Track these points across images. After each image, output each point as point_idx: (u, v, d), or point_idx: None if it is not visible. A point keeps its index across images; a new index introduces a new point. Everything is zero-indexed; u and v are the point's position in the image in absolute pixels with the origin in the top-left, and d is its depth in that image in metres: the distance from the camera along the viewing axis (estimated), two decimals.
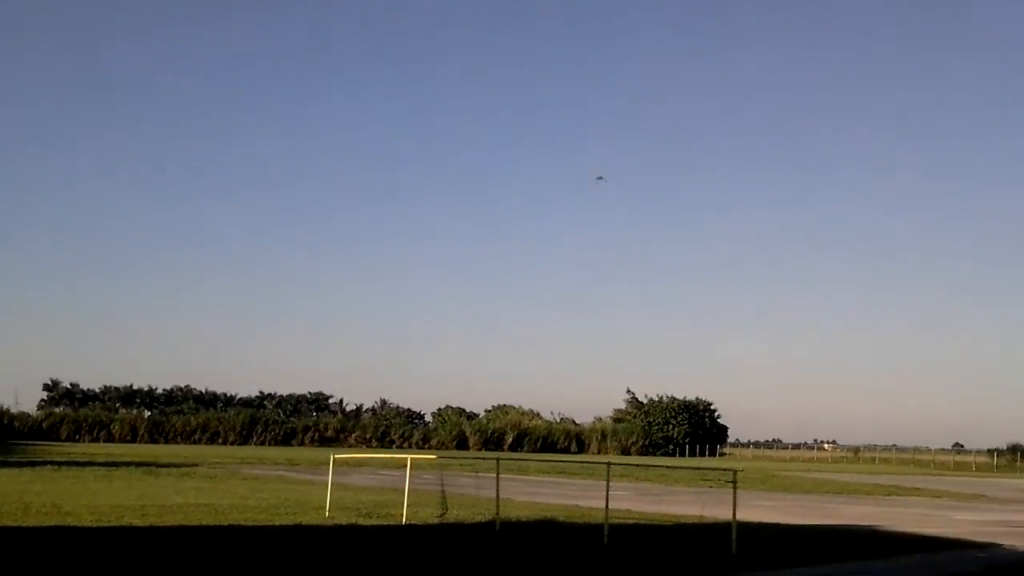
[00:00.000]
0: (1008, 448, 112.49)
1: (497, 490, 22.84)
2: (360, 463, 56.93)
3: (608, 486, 21.38)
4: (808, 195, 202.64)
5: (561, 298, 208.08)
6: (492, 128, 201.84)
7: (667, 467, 54.05)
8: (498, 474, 22.97)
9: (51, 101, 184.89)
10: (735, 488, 19.16)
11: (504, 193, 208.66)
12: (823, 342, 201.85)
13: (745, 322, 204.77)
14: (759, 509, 33.31)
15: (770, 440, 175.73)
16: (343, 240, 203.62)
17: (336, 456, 28.35)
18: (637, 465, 56.73)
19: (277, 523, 22.58)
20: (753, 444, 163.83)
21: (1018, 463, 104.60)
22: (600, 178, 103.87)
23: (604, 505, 30.81)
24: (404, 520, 23.55)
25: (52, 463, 50.04)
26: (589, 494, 36.92)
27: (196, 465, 53.93)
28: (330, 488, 25.88)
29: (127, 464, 52.12)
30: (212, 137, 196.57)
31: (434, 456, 37.74)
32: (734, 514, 19.20)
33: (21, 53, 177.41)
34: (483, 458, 56.69)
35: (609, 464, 22.01)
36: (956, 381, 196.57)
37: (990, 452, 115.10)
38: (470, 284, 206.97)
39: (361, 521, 23.62)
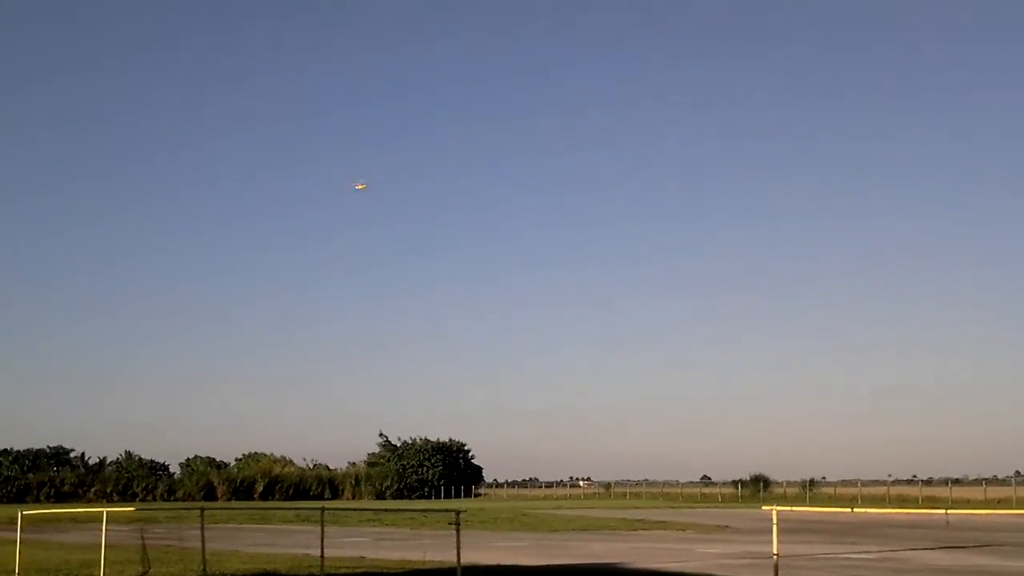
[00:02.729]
0: (751, 479, 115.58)
1: (203, 542, 20.78)
2: (91, 518, 52.84)
3: (323, 533, 19.50)
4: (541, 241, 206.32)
5: (313, 341, 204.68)
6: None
7: (385, 510, 52.63)
8: (203, 525, 20.89)
9: None
10: (458, 531, 17.57)
11: (247, 234, 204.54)
12: (573, 381, 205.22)
13: (495, 361, 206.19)
14: (502, 551, 32.08)
15: (526, 479, 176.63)
16: (76, 280, 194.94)
17: (25, 512, 25.48)
18: (355, 509, 54.82)
19: None
20: (510, 483, 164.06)
21: (761, 493, 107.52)
22: (360, 187, 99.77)
23: (336, 553, 29.32)
24: None
25: None
26: (328, 542, 34.94)
27: None
28: (18, 549, 23.15)
29: None
30: None
31: (133, 508, 34.87)
32: (458, 559, 17.62)
33: None
34: (194, 508, 53.50)
35: (323, 509, 20.20)
36: (703, 415, 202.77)
37: (735, 483, 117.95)
38: (218, 331, 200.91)
39: None
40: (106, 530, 22.83)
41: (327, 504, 61.63)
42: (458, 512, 17.87)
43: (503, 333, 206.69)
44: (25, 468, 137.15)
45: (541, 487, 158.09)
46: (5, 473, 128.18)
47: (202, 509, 21.77)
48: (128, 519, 51.46)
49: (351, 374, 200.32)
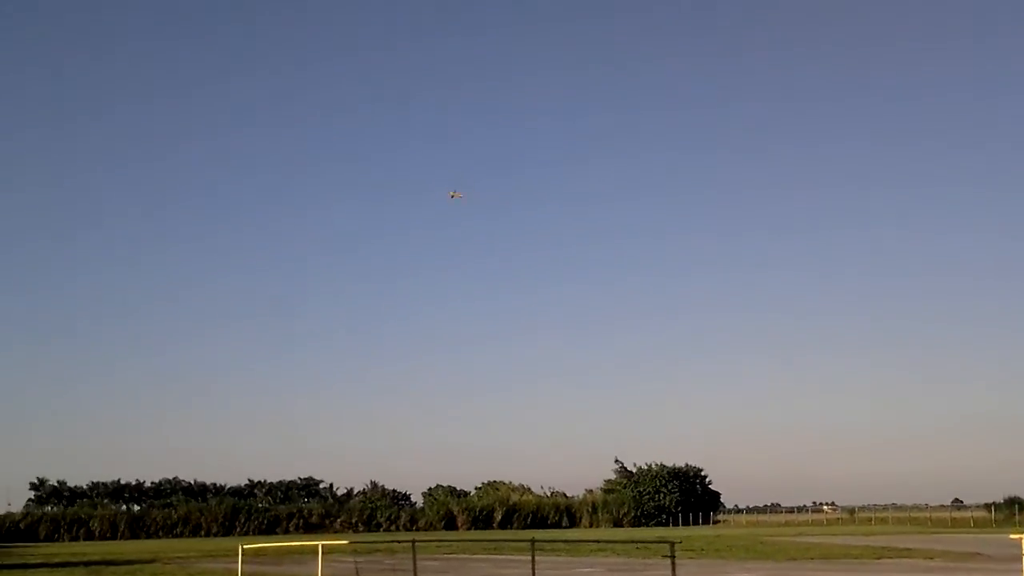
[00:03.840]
0: (1006, 501, 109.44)
1: (415, 573, 20.51)
2: (331, 550, 54.12)
3: (534, 564, 18.98)
4: (798, 254, 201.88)
5: (550, 369, 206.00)
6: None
7: (602, 540, 51.79)
8: (414, 557, 20.66)
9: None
10: (673, 564, 16.81)
11: (486, 264, 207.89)
12: (819, 402, 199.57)
13: (740, 385, 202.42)
14: None
15: (768, 505, 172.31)
16: (323, 324, 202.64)
17: (246, 547, 26.02)
18: (566, 541, 54.12)
19: None
20: (751, 509, 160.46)
21: (1016, 516, 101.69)
22: (455, 195, 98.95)
23: None
24: None
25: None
26: (556, 573, 34.60)
27: (152, 562, 51.42)
28: None
29: (79, 564, 49.70)
30: (200, 212, 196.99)
31: (346, 542, 35.16)
32: None
33: None
34: (406, 540, 53.88)
35: (533, 540, 19.69)
36: (955, 436, 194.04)
37: (987, 507, 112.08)
38: (460, 363, 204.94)
39: None
40: (331, 561, 23.07)
41: (538, 535, 61.56)
42: (672, 543, 17.18)
43: (737, 352, 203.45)
44: (277, 499, 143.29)
45: (782, 512, 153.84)
46: (257, 505, 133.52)
47: (413, 542, 21.72)
48: (368, 550, 52.68)
49: (587, 401, 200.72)
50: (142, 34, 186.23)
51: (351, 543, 42.73)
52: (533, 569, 18.52)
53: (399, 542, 45.10)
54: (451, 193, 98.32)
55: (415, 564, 20.38)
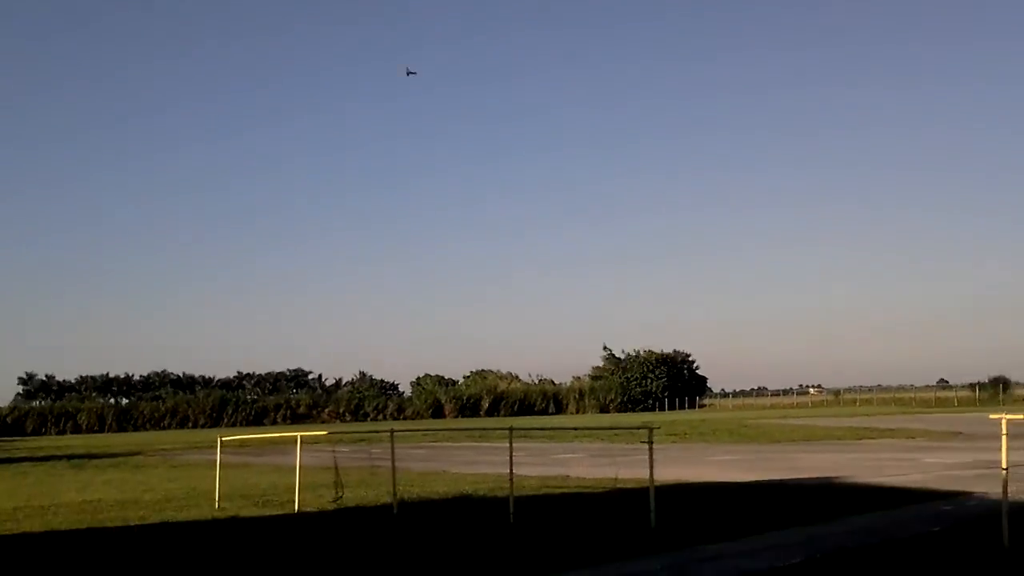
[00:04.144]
0: (990, 381, 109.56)
1: (393, 466, 20.03)
2: (316, 440, 53.93)
3: (511, 452, 18.52)
4: (784, 146, 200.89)
5: (537, 257, 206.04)
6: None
7: (579, 428, 51.78)
8: (392, 447, 20.18)
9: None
10: (651, 449, 16.50)
11: (475, 159, 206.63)
12: (806, 286, 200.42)
13: (727, 271, 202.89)
14: (715, 465, 30.98)
15: (754, 388, 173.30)
16: (316, 217, 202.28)
17: (225, 439, 25.71)
18: (544, 428, 54.06)
19: (151, 520, 19.94)
20: (737, 393, 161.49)
21: (1000, 396, 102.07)
22: (411, 72, 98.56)
23: (544, 471, 28.67)
24: (296, 508, 20.89)
25: None
26: (538, 460, 34.49)
27: (137, 454, 51.26)
28: (218, 476, 23.31)
29: (62, 457, 49.47)
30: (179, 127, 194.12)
31: (325, 432, 34.74)
32: (651, 480, 16.55)
33: None
34: (384, 431, 53.76)
35: (511, 428, 19.24)
36: (941, 316, 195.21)
37: (972, 386, 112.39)
38: (445, 254, 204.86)
39: (249, 512, 20.92)
40: (315, 452, 22.79)
41: (522, 422, 61.88)
42: (651, 429, 16.81)
43: (727, 237, 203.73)
44: (266, 391, 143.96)
45: (768, 396, 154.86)
46: (245, 396, 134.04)
47: (392, 431, 21.19)
48: (353, 439, 52.66)
49: (577, 289, 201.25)
50: None
51: (331, 433, 42.46)
52: (511, 456, 18.12)
53: (379, 432, 44.83)
54: (407, 69, 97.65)
55: (393, 454, 19.98)
